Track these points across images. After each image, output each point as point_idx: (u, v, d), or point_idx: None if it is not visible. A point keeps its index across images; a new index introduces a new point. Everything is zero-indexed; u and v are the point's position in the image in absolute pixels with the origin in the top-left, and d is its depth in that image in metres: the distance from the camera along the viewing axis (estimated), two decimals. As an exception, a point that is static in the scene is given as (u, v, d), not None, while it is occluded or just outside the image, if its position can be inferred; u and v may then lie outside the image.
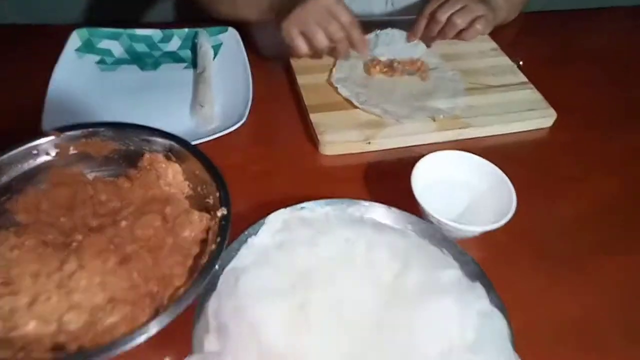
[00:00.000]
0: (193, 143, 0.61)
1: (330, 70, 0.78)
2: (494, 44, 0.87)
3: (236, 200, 0.53)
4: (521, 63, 0.83)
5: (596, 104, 0.81)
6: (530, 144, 0.73)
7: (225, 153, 0.65)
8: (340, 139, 0.68)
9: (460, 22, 0.75)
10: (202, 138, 0.64)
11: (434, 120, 0.71)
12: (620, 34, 1.00)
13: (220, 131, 0.67)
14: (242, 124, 0.67)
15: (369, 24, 0.94)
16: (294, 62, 0.79)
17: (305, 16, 0.70)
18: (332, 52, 0.75)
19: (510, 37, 0.95)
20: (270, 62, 0.82)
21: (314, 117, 0.70)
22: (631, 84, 0.86)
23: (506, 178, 0.59)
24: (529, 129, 0.74)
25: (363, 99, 0.73)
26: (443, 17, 0.76)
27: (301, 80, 0.76)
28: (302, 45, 0.71)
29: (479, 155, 0.61)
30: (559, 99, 0.77)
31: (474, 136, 0.72)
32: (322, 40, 0.70)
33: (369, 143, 0.68)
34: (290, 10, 0.70)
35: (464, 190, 0.62)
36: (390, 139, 0.69)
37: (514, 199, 0.57)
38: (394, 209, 0.56)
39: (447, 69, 0.81)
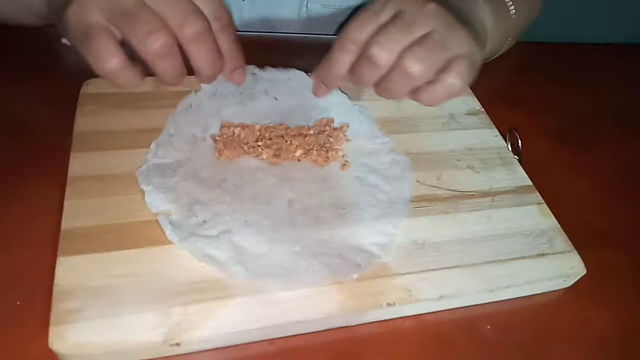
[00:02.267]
0: None
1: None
2: (474, 102, 0.49)
3: None
4: (520, 142, 0.46)
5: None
6: (536, 327, 0.36)
7: None
8: (108, 337, 0.29)
9: (421, 70, 0.34)
10: None
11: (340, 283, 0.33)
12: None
13: None
14: None
15: (277, 42, 0.58)
16: (79, 126, 0.39)
17: None
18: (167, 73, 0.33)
19: (500, 86, 0.58)
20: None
21: (61, 273, 0.31)
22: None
23: None
24: (536, 292, 0.37)
25: (198, 219, 0.35)
26: (384, 56, 0.34)
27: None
28: (110, 47, 0.31)
29: None
30: (592, 222, 0.41)
31: (419, 312, 0.35)
32: (156, 38, 0.31)
33: (178, 345, 0.30)
34: None
35: None
36: (230, 329, 0.31)
37: None
38: None
39: (382, 149, 0.43)
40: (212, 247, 0.33)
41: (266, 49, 0.51)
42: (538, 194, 0.42)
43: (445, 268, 0.35)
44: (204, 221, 0.35)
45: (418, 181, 0.41)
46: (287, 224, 0.36)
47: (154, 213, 0.35)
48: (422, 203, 0.39)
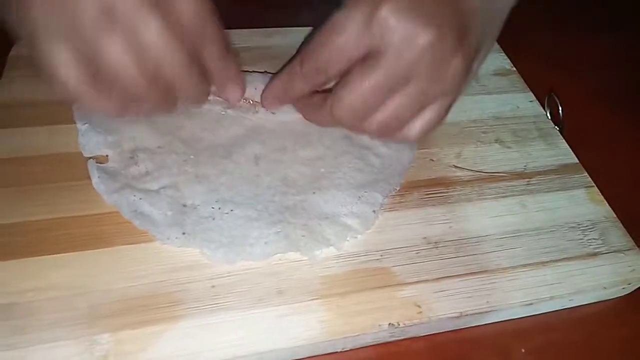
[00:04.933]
0: None
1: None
2: (504, 59, 0.40)
3: None
4: (561, 109, 0.37)
5: None
6: (587, 350, 0.28)
7: None
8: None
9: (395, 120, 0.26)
10: None
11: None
12: None
13: None
14: None
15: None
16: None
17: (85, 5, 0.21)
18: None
19: (535, 40, 0.48)
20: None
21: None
22: None
23: None
24: (585, 303, 0.29)
25: (138, 169, 0.28)
26: (351, 122, 0.26)
27: None
28: (70, 75, 0.22)
29: None
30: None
31: (431, 332, 0.26)
32: (121, 66, 0.22)
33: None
34: None
35: None
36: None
37: None
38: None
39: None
40: (147, 203, 0.27)
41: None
42: (586, 174, 0.33)
43: (466, 274, 0.27)
44: (147, 172, 0.28)
45: (432, 160, 0.32)
46: (247, 183, 0.29)
47: (85, 157, 0.28)
48: (436, 188, 0.31)
